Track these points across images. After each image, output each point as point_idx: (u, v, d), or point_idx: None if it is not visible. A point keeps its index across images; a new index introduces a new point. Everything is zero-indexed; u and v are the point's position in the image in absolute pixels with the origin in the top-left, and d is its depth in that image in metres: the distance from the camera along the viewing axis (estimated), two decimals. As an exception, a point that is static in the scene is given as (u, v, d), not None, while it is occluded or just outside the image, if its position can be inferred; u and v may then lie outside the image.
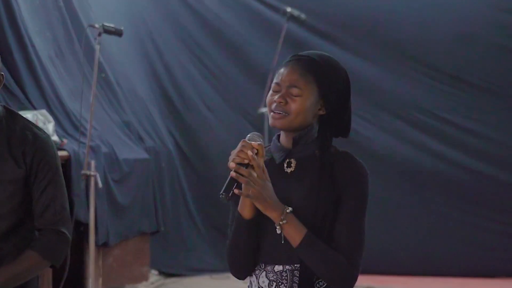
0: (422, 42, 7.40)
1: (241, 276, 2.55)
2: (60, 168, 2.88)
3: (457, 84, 7.37)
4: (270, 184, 2.40)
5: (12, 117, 2.86)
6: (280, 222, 2.39)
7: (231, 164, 2.38)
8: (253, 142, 2.41)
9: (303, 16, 7.18)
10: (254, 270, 2.51)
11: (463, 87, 7.36)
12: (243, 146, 2.40)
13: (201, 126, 7.53)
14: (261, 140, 2.45)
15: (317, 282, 2.45)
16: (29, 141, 2.81)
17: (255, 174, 2.37)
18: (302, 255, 2.41)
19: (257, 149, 2.41)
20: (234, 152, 2.40)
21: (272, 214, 2.40)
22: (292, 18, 7.14)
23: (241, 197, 2.44)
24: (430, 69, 7.41)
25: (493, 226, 7.20)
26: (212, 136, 7.53)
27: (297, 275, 2.44)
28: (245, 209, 2.45)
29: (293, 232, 2.40)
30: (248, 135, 2.46)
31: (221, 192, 2.38)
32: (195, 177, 7.41)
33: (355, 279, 2.43)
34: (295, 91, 2.45)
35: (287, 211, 2.39)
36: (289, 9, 7.12)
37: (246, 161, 2.38)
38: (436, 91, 7.40)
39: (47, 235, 2.81)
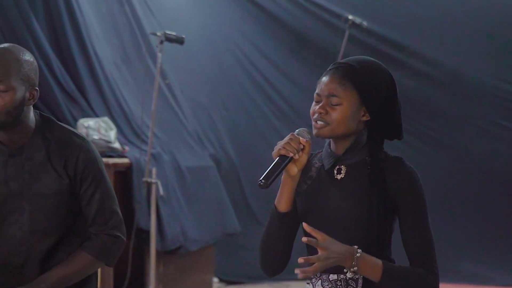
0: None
1: (268, 271, 2.51)
2: (104, 171, 2.82)
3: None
4: (332, 246, 2.31)
5: (49, 126, 2.78)
6: (352, 269, 2.33)
7: (275, 154, 2.37)
8: (301, 138, 2.42)
9: (365, 23, 7.12)
10: (310, 278, 2.48)
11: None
12: (290, 139, 2.41)
13: (267, 134, 7.50)
14: (309, 136, 2.44)
15: None
16: (69, 151, 2.75)
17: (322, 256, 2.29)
18: (386, 286, 2.38)
19: (304, 145, 2.42)
20: (280, 143, 2.40)
21: (344, 264, 2.34)
22: (353, 25, 7.09)
23: (280, 189, 2.43)
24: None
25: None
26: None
27: (352, 284, 2.41)
28: (281, 202, 2.46)
29: (369, 271, 2.35)
30: (297, 130, 2.46)
31: (261, 178, 2.34)
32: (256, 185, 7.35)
33: (438, 284, 2.41)
34: (334, 100, 2.42)
35: (357, 255, 2.32)
36: (350, 17, 7.07)
37: (291, 155, 2.38)
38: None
39: (101, 236, 2.79)
